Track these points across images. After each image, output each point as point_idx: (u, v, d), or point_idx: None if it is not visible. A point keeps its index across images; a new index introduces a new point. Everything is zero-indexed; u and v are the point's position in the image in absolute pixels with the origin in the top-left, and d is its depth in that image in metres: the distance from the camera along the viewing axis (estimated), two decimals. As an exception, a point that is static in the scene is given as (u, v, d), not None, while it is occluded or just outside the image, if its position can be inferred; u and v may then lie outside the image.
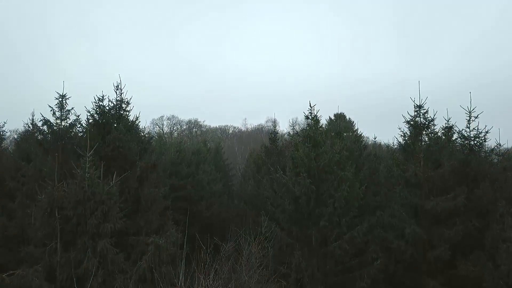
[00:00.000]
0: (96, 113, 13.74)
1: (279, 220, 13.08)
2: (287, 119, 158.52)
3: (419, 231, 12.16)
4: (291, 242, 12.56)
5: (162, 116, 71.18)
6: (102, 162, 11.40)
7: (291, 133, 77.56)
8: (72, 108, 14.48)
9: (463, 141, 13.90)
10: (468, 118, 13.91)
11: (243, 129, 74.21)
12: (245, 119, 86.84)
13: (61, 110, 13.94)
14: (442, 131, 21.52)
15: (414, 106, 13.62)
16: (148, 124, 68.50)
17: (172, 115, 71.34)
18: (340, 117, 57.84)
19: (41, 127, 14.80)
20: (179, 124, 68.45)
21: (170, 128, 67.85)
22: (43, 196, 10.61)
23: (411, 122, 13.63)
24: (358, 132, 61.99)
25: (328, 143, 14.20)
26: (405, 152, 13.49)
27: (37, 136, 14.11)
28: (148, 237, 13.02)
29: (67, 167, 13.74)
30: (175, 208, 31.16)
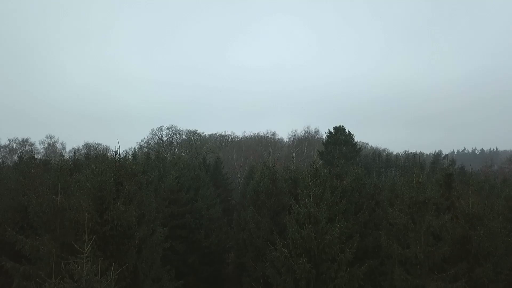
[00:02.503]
0: (94, 187, 13.61)
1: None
2: (287, 123, 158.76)
3: (420, 317, 12.12)
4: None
5: (162, 126, 71.11)
6: (100, 258, 11.24)
7: (291, 141, 77.20)
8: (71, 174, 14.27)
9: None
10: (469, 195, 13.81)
11: (242, 139, 73.87)
12: (245, 131, 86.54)
13: (59, 183, 13.77)
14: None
15: (414, 182, 13.50)
16: (147, 134, 68.33)
17: (172, 125, 70.95)
18: (339, 130, 57.79)
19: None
20: (179, 134, 68.12)
21: (170, 137, 67.58)
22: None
23: (413, 199, 13.47)
24: (358, 145, 61.94)
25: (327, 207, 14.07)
26: (405, 228, 13.37)
27: (34, 208, 13.87)
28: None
29: (65, 240, 13.68)
30: (174, 236, 31.26)
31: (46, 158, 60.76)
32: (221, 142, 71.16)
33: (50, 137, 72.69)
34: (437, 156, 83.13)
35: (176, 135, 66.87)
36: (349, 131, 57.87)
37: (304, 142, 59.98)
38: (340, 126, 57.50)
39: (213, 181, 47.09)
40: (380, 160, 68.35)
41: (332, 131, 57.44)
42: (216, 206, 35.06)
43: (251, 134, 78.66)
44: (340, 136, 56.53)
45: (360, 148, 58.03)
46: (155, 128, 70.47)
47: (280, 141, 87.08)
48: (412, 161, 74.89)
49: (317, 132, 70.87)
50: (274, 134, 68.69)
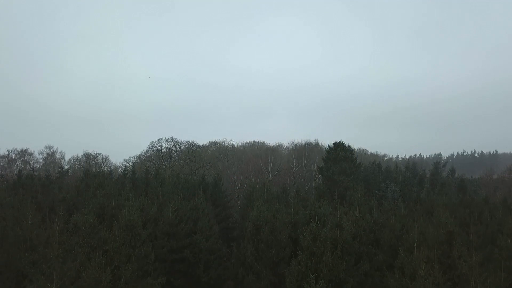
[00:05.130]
0: (89, 278, 13.41)
1: None
2: (287, 124, 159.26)
3: None
4: None
5: (161, 138, 70.92)
6: None
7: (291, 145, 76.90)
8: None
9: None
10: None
11: (241, 148, 73.61)
12: (244, 146, 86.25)
13: (54, 272, 13.58)
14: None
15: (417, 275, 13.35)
16: (146, 146, 68.32)
17: (171, 137, 70.82)
18: (339, 145, 57.64)
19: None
20: (178, 145, 67.79)
21: (169, 149, 67.14)
22: None
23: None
24: (357, 160, 61.75)
25: None
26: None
27: None
28: None
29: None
30: (172, 271, 31.12)
31: (46, 170, 60.55)
32: (220, 153, 70.84)
33: (49, 147, 72.51)
34: (437, 164, 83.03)
35: (175, 146, 66.76)
36: (349, 146, 57.88)
37: (304, 155, 59.80)
38: (340, 141, 57.49)
39: (212, 200, 46.89)
40: (380, 172, 68.29)
41: (332, 146, 57.46)
42: (215, 235, 34.91)
43: (251, 141, 78.57)
44: (339, 152, 56.47)
45: (360, 163, 57.97)
46: (154, 141, 70.38)
47: (280, 146, 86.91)
48: (412, 171, 74.86)
49: (317, 144, 70.75)
50: (273, 149, 68.48)
